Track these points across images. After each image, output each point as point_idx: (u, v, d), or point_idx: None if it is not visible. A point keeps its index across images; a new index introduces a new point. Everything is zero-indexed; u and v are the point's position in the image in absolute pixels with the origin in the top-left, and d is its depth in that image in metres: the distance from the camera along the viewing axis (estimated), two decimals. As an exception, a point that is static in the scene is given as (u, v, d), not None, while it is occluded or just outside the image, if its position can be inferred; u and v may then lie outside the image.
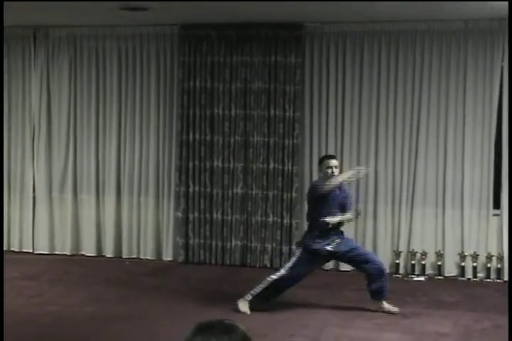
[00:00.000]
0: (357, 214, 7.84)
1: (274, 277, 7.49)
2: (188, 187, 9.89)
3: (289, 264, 7.59)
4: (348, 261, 7.83)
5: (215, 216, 9.84)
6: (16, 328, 6.65)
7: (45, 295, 8.09)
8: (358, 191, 9.43)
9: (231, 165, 9.78)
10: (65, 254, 10.37)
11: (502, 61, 9.14)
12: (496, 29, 9.06)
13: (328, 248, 7.48)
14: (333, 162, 7.56)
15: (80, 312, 7.39)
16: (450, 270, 9.40)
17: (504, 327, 6.93)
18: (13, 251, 10.49)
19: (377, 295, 7.54)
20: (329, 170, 7.49)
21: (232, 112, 9.73)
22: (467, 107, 9.27)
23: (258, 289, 7.45)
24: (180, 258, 9.98)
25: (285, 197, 9.64)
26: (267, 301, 7.51)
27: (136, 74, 10.13)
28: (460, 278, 9.29)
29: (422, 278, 9.30)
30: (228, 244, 9.84)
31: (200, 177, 9.86)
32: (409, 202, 9.49)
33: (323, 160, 7.72)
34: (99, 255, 10.34)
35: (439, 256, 9.36)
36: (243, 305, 7.42)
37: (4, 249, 10.42)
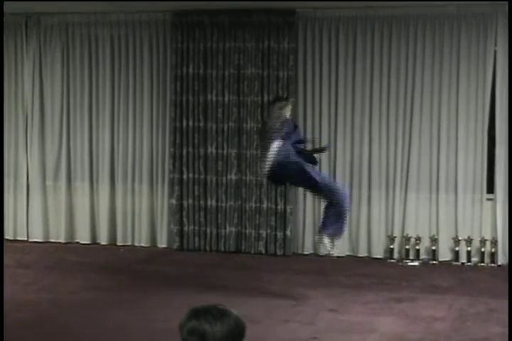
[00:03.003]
0: None
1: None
2: (182, 174, 9.89)
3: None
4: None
5: (209, 202, 9.84)
6: (13, 315, 6.66)
7: (40, 283, 8.10)
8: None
9: (225, 152, 9.77)
10: (60, 242, 10.37)
11: (495, 45, 9.13)
12: (489, 13, 9.05)
13: None
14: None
15: (75, 300, 7.40)
16: (444, 254, 9.42)
17: (498, 310, 6.97)
18: (8, 239, 10.47)
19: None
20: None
21: (226, 98, 9.71)
22: (460, 91, 9.26)
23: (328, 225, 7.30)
24: (175, 245, 9.98)
25: (279, 183, 9.63)
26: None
27: (129, 61, 10.10)
28: (454, 263, 9.32)
29: (416, 263, 9.32)
30: (223, 230, 9.84)
31: (194, 164, 9.85)
32: (403, 186, 9.50)
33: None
34: (94, 243, 10.34)
35: (433, 240, 9.38)
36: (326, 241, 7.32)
37: (-1, 237, 10.45)
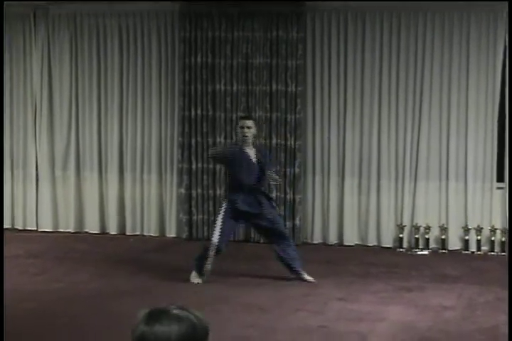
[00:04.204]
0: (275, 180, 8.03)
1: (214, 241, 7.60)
2: (190, 163, 9.87)
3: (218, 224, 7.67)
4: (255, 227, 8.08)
5: (218, 192, 9.83)
6: (22, 305, 6.68)
7: (49, 273, 8.11)
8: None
9: (233, 141, 9.74)
10: (69, 232, 10.38)
11: (506, 32, 9.07)
12: (499, 3, 8.96)
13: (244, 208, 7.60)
14: (246, 122, 7.73)
15: (84, 289, 7.41)
16: (454, 243, 9.41)
17: (507, 299, 6.94)
18: (17, 229, 10.50)
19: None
20: (240, 130, 7.70)
21: (234, 88, 9.69)
22: (470, 81, 9.23)
23: (203, 264, 7.59)
24: (184, 235, 9.99)
25: (288, 172, 9.62)
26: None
27: (137, 50, 10.09)
28: (464, 252, 9.31)
29: (425, 252, 9.31)
30: (232, 219, 9.82)
31: (202, 154, 9.84)
32: (413, 176, 9.48)
33: (239, 120, 8.07)
34: (103, 232, 10.35)
35: (443, 229, 9.36)
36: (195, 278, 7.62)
37: (8, 226, 10.46)
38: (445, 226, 9.36)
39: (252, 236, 9.79)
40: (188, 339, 2.27)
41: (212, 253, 7.59)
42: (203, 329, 2.32)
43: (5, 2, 9.30)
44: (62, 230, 10.45)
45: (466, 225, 9.30)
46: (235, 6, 9.55)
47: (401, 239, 9.47)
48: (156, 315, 2.31)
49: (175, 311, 2.34)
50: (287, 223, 9.64)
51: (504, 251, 9.16)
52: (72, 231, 10.38)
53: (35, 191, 10.52)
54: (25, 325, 6.23)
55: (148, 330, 2.27)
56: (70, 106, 10.32)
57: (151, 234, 10.22)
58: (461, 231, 9.35)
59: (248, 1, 9.51)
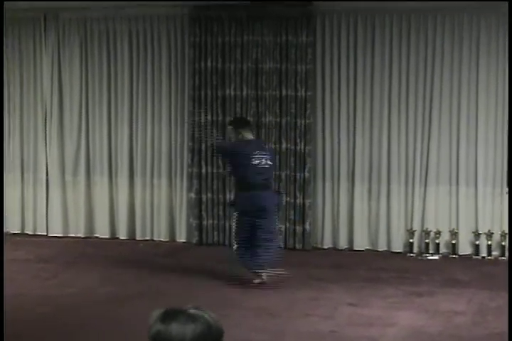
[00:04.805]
0: None
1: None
2: (200, 168, 9.87)
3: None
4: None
5: (228, 196, 9.82)
6: (34, 310, 6.71)
7: (60, 277, 8.13)
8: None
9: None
10: (79, 237, 10.38)
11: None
12: (508, 7, 8.96)
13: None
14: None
15: (96, 293, 7.43)
16: (464, 248, 9.37)
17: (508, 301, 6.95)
18: (27, 234, 10.51)
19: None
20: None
21: (244, 93, 9.69)
22: (480, 86, 9.20)
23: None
24: (194, 240, 9.98)
25: (298, 177, 9.61)
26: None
27: (147, 55, 10.10)
28: (474, 257, 9.27)
29: (436, 257, 9.28)
30: (242, 224, 9.81)
31: (212, 158, 9.84)
32: (423, 180, 9.45)
33: (245, 125, 8.09)
34: (113, 237, 10.35)
35: (453, 234, 9.33)
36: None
37: (18, 231, 10.49)
38: (455, 231, 9.33)
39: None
40: (204, 339, 2.28)
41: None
42: (218, 330, 2.33)
43: (15, 7, 9.33)
44: (72, 235, 10.44)
45: (477, 230, 9.27)
46: (244, 9, 9.56)
47: (411, 243, 9.44)
48: (172, 314, 2.33)
49: (191, 311, 2.35)
50: (297, 228, 9.64)
51: (515, 256, 9.14)
52: (82, 236, 10.38)
53: (45, 196, 10.53)
54: (38, 328, 6.26)
55: (163, 329, 2.29)
56: (80, 111, 10.34)
57: (161, 239, 10.22)
58: (471, 236, 9.32)
59: (257, 5, 9.50)
